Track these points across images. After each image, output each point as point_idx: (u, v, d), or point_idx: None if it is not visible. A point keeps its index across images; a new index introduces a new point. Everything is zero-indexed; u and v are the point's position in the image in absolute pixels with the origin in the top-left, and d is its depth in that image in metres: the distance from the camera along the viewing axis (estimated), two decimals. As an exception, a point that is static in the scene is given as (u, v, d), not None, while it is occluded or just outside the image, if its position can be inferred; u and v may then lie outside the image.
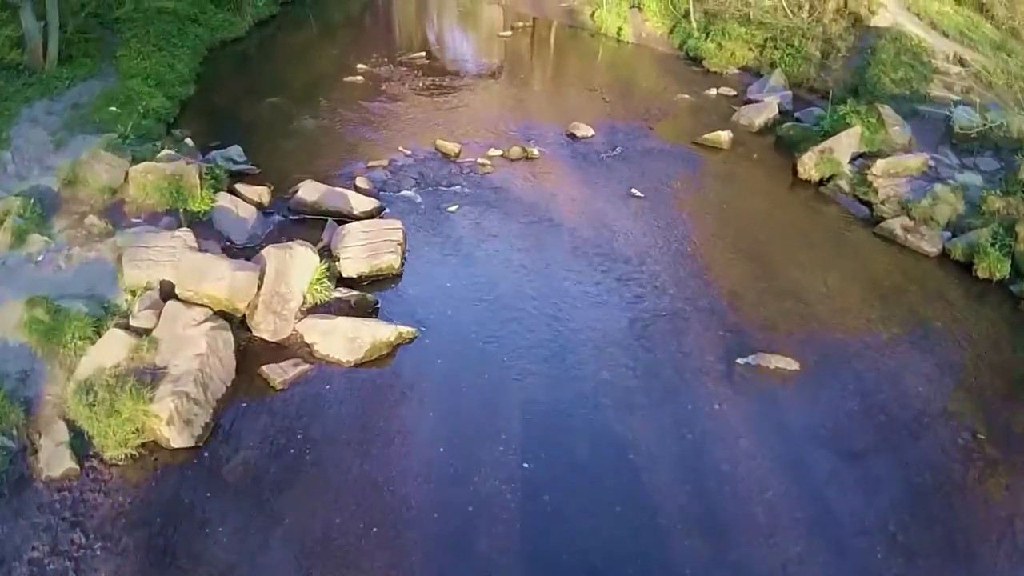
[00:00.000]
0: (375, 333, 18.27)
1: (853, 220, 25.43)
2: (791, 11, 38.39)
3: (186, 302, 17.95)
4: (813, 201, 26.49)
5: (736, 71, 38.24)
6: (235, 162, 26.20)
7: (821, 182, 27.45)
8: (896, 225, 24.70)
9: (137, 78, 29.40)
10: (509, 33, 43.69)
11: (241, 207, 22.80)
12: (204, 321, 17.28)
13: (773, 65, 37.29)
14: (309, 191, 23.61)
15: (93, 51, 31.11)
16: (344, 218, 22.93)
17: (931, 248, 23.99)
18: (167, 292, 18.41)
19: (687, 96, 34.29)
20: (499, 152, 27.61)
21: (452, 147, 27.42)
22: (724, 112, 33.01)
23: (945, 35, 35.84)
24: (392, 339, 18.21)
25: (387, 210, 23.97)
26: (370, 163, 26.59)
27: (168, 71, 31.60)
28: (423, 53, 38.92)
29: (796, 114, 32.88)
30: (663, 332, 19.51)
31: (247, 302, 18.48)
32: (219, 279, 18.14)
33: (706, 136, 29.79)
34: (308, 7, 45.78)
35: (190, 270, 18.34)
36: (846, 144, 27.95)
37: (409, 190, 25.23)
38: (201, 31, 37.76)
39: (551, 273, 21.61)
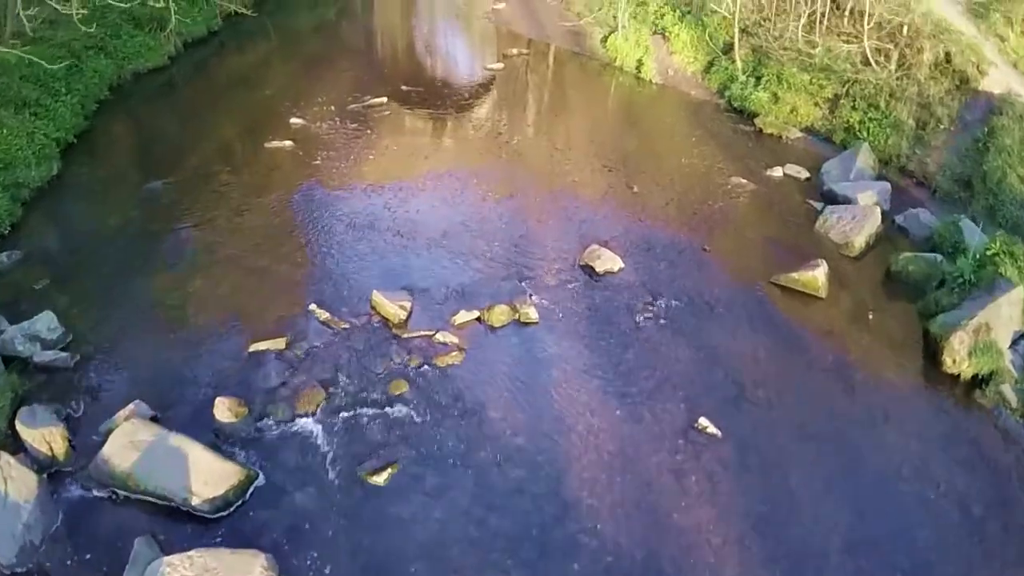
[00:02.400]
0: None
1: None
2: (874, 59, 26.61)
3: None
4: (975, 427, 14.89)
5: (799, 134, 26.56)
6: (42, 344, 14.68)
7: (975, 380, 16.01)
8: None
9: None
10: (500, 66, 31.59)
11: (15, 477, 11.41)
12: None
13: (849, 130, 25.59)
14: (125, 443, 12.04)
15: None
16: (175, 509, 11.46)
17: None
18: None
19: (744, 181, 22.56)
20: (473, 315, 15.93)
21: (396, 308, 15.67)
22: (801, 213, 21.35)
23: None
24: None
25: (257, 484, 12.34)
26: (254, 345, 14.73)
27: (23, 144, 20.06)
28: (384, 99, 27.05)
29: (897, 219, 21.44)
30: None
31: None
32: None
33: (793, 276, 18.18)
34: (259, 21, 33.72)
35: None
36: (1006, 318, 16.46)
37: (308, 419, 13.47)
38: (104, 65, 26.00)
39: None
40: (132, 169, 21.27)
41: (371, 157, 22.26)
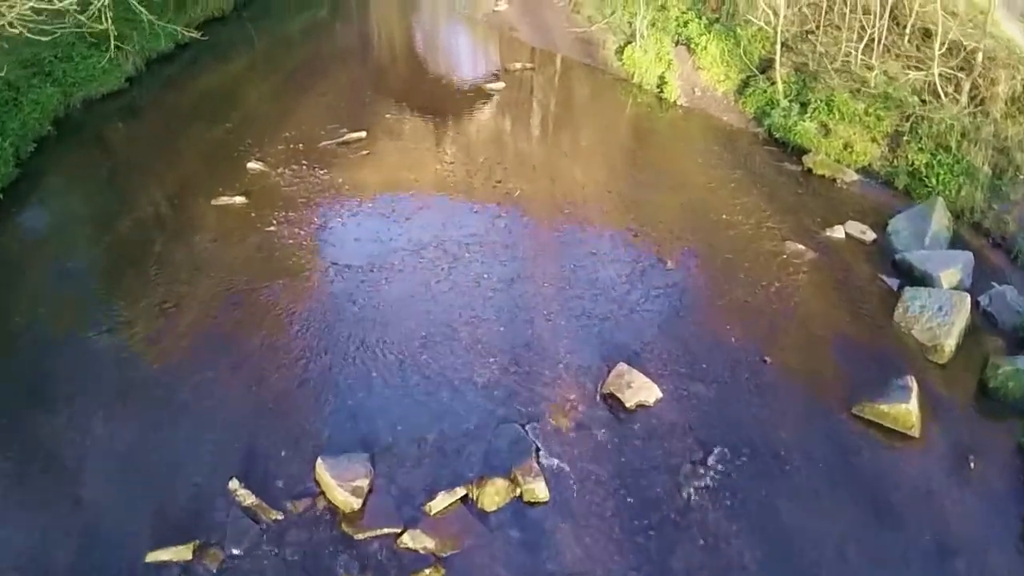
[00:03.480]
0: None
1: None
2: (943, 90, 21.48)
3: None
4: None
5: (855, 175, 21.53)
6: None
7: None
8: None
9: None
10: (501, 85, 26.46)
11: None
12: None
13: (914, 175, 20.53)
14: None
15: None
16: None
17: None
18: None
19: (801, 247, 17.54)
20: (457, 495, 10.97)
21: (347, 494, 10.61)
22: (875, 295, 16.38)
23: None
24: None
25: None
26: (152, 555, 9.92)
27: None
28: (363, 133, 22.07)
29: (982, 302, 16.54)
30: None
31: None
32: None
33: (880, 408, 13.27)
34: (240, 27, 29.61)
35: None
36: None
37: None
38: (48, 95, 21.28)
39: None
40: (50, 242, 16.63)
41: (336, 223, 17.41)
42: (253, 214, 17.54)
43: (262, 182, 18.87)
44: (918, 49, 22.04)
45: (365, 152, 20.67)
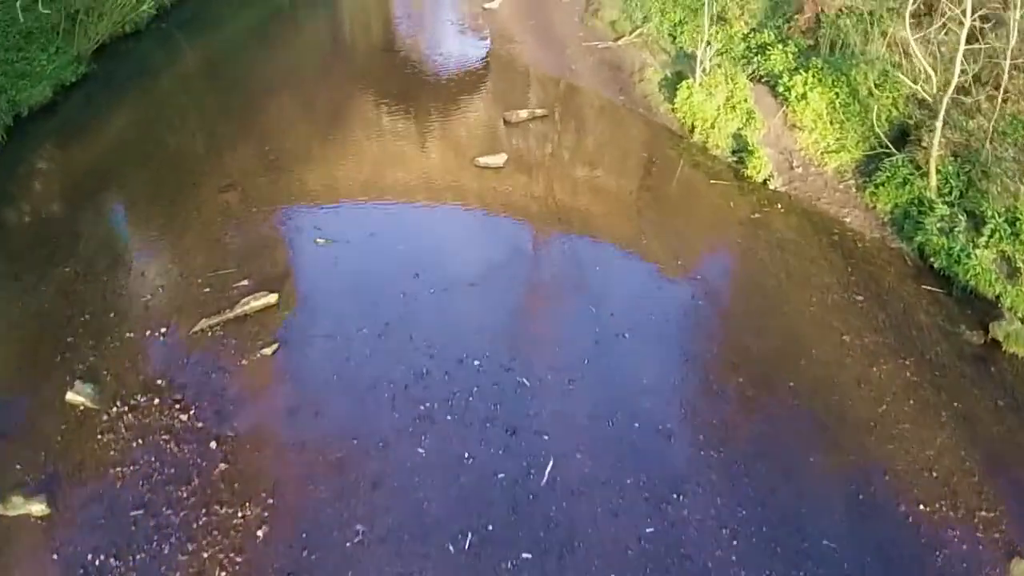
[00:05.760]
0: None
1: None
2: None
3: None
4: None
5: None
6: None
7: None
8: None
9: None
10: (501, 160, 16.50)
11: None
12: None
13: None
14: None
15: None
16: None
17: None
18: None
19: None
20: None
21: None
22: None
23: None
24: None
25: None
26: None
27: None
28: (273, 297, 12.27)
29: None
30: None
31: None
32: None
33: None
34: (163, 41, 20.91)
35: None
36: None
37: None
38: None
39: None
40: None
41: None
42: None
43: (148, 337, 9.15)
44: None
45: (267, 372, 10.86)
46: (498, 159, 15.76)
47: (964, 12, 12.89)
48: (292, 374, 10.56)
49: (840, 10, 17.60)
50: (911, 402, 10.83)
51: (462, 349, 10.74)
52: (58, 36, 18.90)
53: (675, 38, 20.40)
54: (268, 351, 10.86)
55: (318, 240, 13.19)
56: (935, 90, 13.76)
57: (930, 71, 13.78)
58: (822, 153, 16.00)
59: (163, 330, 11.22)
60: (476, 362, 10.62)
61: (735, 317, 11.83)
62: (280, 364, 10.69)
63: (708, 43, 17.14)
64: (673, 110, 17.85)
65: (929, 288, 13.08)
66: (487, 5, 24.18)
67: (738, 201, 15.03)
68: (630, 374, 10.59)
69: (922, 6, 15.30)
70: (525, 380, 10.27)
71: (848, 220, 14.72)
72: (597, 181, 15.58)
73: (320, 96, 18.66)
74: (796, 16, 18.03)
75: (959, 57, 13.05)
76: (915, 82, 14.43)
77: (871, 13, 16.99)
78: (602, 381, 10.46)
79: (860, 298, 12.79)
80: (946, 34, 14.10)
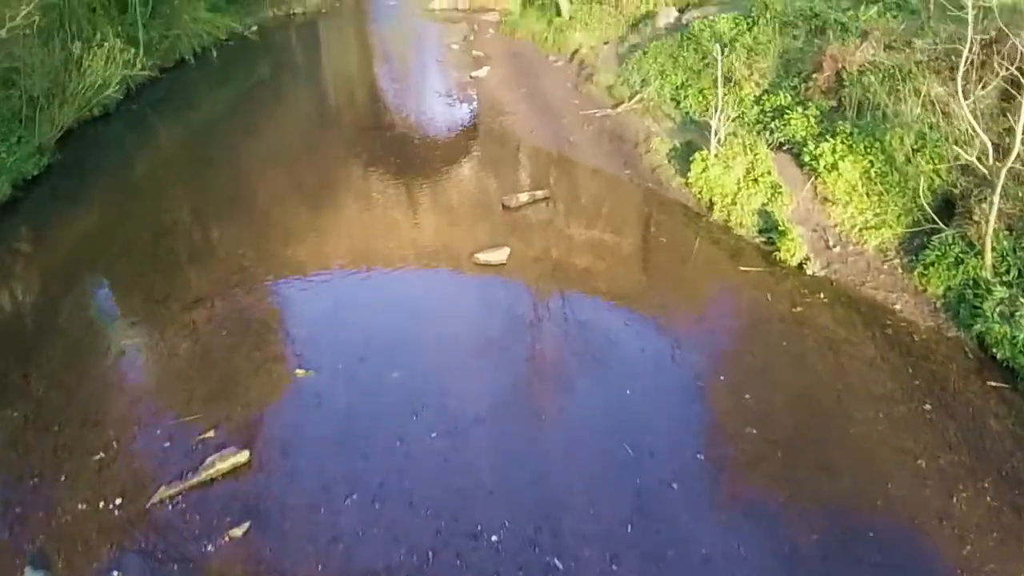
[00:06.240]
0: None
1: None
2: None
3: None
4: None
5: None
6: None
7: None
8: None
9: None
10: (504, 255, 14.48)
11: None
12: None
13: None
14: None
15: None
16: None
17: None
18: None
19: None
20: None
21: None
22: None
23: None
24: None
25: None
26: None
27: None
28: (246, 454, 10.07)
29: None
30: None
31: None
32: None
33: None
34: (135, 123, 19.95)
35: None
36: None
37: None
38: None
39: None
40: None
41: None
42: None
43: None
44: None
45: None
46: (500, 254, 13.75)
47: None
48: (268, 565, 8.32)
49: (862, 67, 15.82)
50: (994, 535, 8.77)
51: (475, 518, 8.55)
52: (20, 124, 17.12)
53: (678, 102, 18.72)
54: (238, 531, 8.67)
55: (298, 371, 11.02)
56: (991, 161, 11.86)
57: (985, 139, 11.90)
58: (860, 229, 14.09)
59: (118, 501, 9.11)
60: (494, 537, 8.41)
61: (797, 450, 9.74)
62: (253, 550, 8.48)
63: (722, 112, 15.25)
64: (687, 184, 15.99)
65: (995, 384, 11.07)
66: (475, 73, 22.56)
67: (775, 291, 13.04)
68: (686, 541, 8.43)
69: (954, 58, 13.57)
70: (557, 561, 8.08)
71: (898, 307, 12.75)
72: (614, 277, 13.56)
73: (304, 181, 16.83)
74: (814, 75, 16.23)
75: (1022, 124, 11.16)
76: (957, 143, 12.59)
77: (899, 69, 15.20)
78: (653, 555, 8.24)
79: (927, 407, 10.78)
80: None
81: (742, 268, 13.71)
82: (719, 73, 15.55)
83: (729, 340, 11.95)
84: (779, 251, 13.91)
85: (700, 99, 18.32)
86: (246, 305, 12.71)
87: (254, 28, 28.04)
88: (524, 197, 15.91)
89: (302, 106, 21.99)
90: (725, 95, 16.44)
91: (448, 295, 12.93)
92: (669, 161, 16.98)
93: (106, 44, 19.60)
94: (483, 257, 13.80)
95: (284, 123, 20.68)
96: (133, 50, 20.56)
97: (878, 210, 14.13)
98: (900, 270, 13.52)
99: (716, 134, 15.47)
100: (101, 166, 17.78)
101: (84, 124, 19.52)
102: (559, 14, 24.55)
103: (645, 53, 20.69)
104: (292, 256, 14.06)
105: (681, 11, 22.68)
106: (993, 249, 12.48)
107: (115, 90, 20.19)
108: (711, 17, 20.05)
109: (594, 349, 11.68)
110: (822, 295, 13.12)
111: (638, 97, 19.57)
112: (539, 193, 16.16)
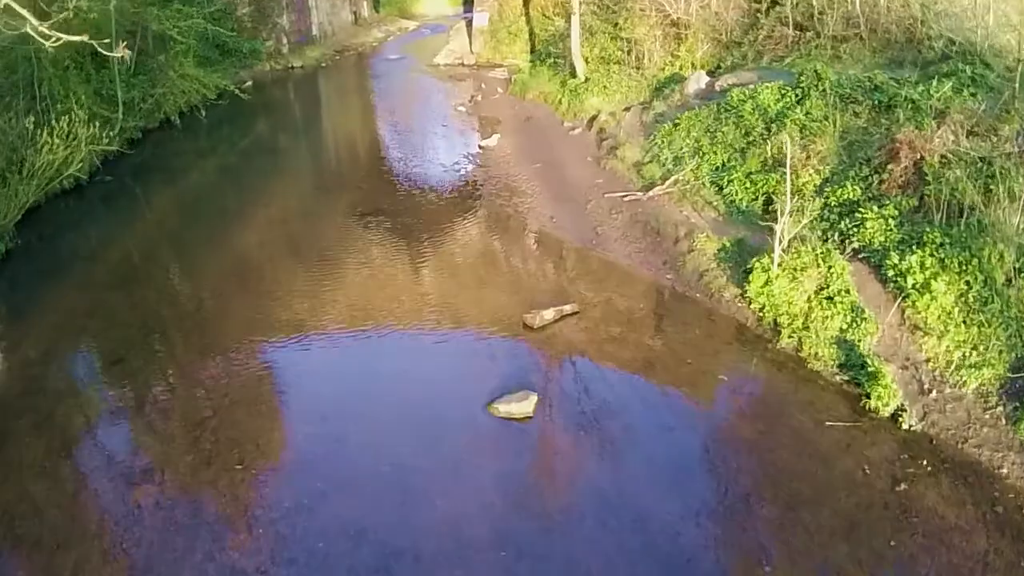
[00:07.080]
0: None
1: None
2: None
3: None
4: None
5: None
6: None
7: None
8: None
9: None
10: (530, 406, 11.63)
11: None
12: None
13: None
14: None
15: None
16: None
17: None
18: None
19: None
20: None
21: None
22: None
23: None
24: None
25: None
26: None
27: None
28: None
29: None
30: None
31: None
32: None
33: None
34: (106, 204, 18.09)
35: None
36: None
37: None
38: None
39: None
40: None
41: None
42: None
43: None
44: None
45: None
46: (525, 404, 10.96)
47: None
48: None
49: (945, 157, 13.08)
50: None
51: None
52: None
53: (720, 187, 16.02)
54: None
55: None
56: None
57: None
58: (957, 368, 11.25)
59: None
60: None
61: None
62: None
63: (789, 215, 12.50)
64: (743, 296, 13.14)
65: None
66: (483, 142, 19.91)
67: (871, 459, 10.26)
68: None
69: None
70: None
71: (1004, 471, 10.08)
72: (674, 443, 10.74)
73: (295, 281, 14.04)
74: (889, 166, 13.49)
75: None
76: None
77: (989, 163, 12.48)
78: None
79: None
80: None
81: (828, 423, 10.85)
82: (788, 171, 12.81)
83: (825, 544, 9.13)
84: (869, 398, 11.08)
85: (748, 185, 15.63)
86: (213, 462, 9.89)
87: (248, 84, 25.49)
88: (549, 314, 13.10)
89: (290, 185, 19.38)
90: (778, 182, 13.69)
91: (457, 468, 10.12)
92: (718, 265, 14.24)
93: (65, 118, 16.99)
94: (503, 408, 11.00)
95: (271, 205, 17.98)
96: (98, 123, 18.01)
97: (976, 344, 11.34)
98: (1004, 420, 10.77)
99: (781, 241, 12.68)
100: (70, 247, 15.44)
101: (53, 199, 16.94)
102: (574, 75, 21.92)
103: (676, 125, 18.01)
104: (267, 404, 11.22)
105: (711, 74, 20.02)
106: None
107: (78, 167, 17.56)
108: (751, 86, 17.32)
109: (651, 543, 8.79)
110: (924, 462, 10.34)
111: (672, 179, 16.85)
112: (567, 308, 13.35)
